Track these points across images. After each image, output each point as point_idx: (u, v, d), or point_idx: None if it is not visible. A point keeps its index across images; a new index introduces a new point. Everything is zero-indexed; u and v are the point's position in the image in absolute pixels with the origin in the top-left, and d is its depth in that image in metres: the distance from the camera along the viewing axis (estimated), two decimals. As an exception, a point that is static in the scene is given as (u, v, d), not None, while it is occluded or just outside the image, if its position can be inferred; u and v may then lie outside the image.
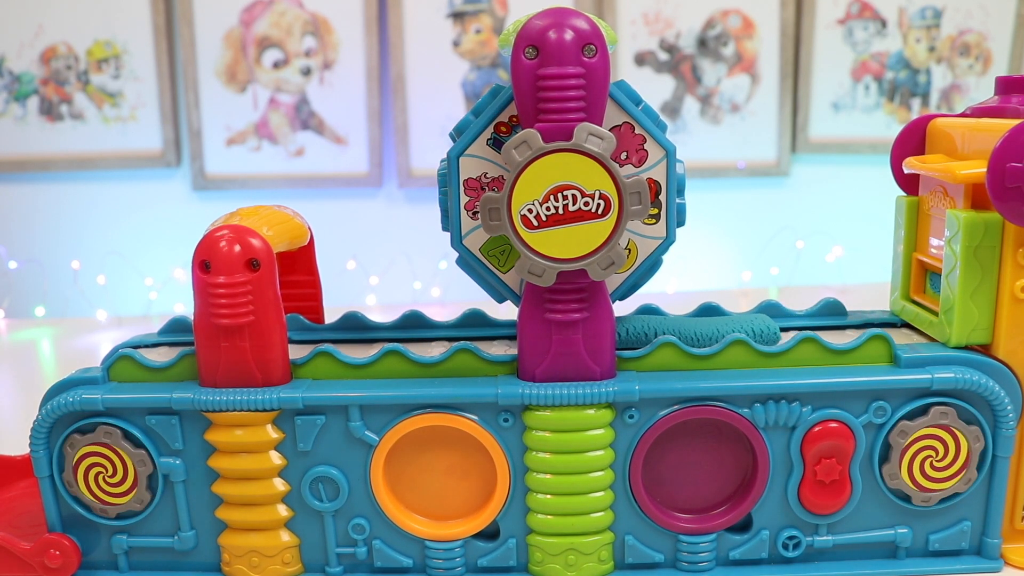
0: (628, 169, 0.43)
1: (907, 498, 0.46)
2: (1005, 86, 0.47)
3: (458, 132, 0.45)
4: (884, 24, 1.53)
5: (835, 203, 1.58)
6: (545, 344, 0.44)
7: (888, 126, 1.55)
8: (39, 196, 1.56)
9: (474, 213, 0.44)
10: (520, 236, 0.42)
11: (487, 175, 0.44)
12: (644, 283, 0.47)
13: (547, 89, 0.40)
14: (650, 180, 0.43)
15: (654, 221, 0.44)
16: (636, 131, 0.43)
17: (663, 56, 1.54)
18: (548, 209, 0.41)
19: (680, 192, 0.44)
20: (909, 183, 0.52)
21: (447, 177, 0.44)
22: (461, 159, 0.43)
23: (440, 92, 1.52)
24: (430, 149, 1.53)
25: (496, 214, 0.41)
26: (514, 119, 0.43)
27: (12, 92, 1.51)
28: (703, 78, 1.55)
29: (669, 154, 0.43)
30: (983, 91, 1.53)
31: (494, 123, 0.43)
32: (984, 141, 0.45)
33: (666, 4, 1.52)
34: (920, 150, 0.51)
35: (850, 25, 1.53)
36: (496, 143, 0.43)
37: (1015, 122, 0.42)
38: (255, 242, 0.43)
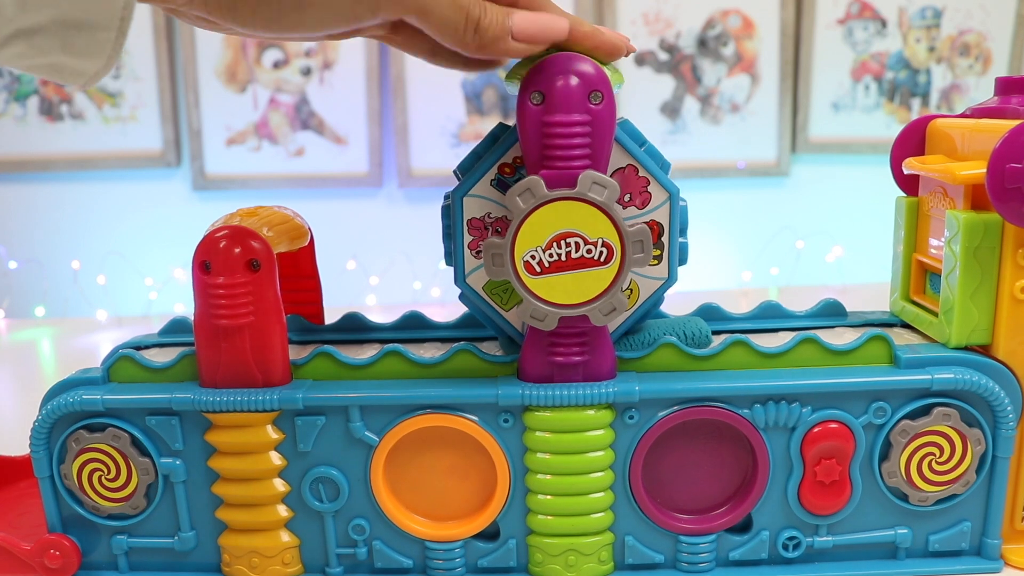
0: (632, 211, 0.44)
1: (907, 498, 0.46)
2: (1005, 87, 0.47)
3: (462, 171, 0.45)
4: (884, 24, 1.53)
5: (835, 203, 1.58)
6: (547, 377, 0.45)
7: (888, 126, 1.55)
8: (39, 196, 1.56)
9: (477, 252, 0.44)
10: (523, 281, 0.42)
11: (491, 215, 0.44)
12: (644, 320, 0.47)
13: (553, 136, 0.40)
14: (652, 222, 0.44)
15: (656, 262, 0.44)
16: (640, 173, 0.43)
17: (663, 56, 1.54)
18: (551, 256, 0.41)
19: (683, 231, 0.45)
20: (909, 183, 0.52)
21: (451, 212, 0.44)
22: (465, 199, 0.44)
23: (440, 92, 1.52)
24: (430, 149, 1.53)
25: (499, 259, 0.42)
26: (518, 160, 0.43)
27: (12, 92, 1.51)
28: (703, 78, 1.55)
29: (672, 196, 0.44)
30: (983, 91, 1.53)
31: (498, 164, 0.43)
32: (984, 142, 0.45)
33: (666, 4, 1.52)
34: (920, 150, 0.51)
35: (850, 25, 1.53)
36: (500, 183, 0.44)
37: (1015, 123, 0.42)
38: (255, 243, 0.44)
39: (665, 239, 0.44)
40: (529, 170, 0.41)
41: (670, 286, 0.45)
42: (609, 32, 0.41)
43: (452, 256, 0.45)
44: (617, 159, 0.43)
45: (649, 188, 0.43)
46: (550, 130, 0.40)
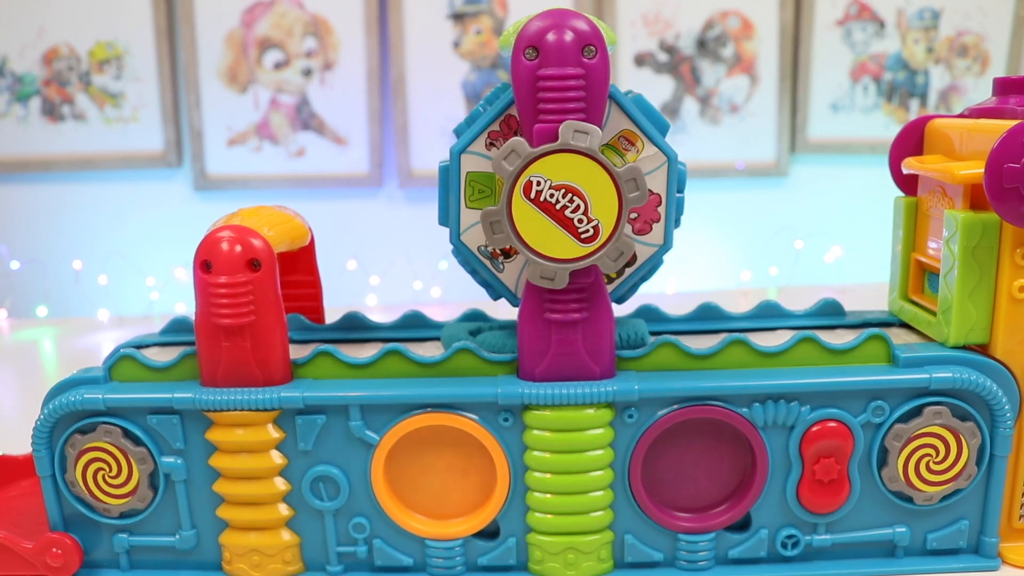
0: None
1: (905, 497, 0.46)
2: (1003, 87, 0.47)
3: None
4: (882, 25, 1.53)
5: (834, 203, 1.58)
6: (545, 344, 0.44)
7: (887, 127, 1.55)
8: (41, 196, 1.56)
9: (490, 144, 0.44)
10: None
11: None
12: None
13: (547, 90, 0.40)
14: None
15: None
16: (659, 208, 0.43)
17: (662, 57, 1.54)
18: (552, 196, 0.41)
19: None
20: (908, 184, 0.52)
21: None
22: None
23: (440, 92, 1.53)
24: (430, 149, 1.53)
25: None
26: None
27: (14, 93, 1.51)
28: (702, 79, 1.55)
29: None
30: (981, 92, 1.54)
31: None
32: (982, 142, 0.45)
33: (665, 5, 1.53)
34: (918, 151, 0.51)
35: (849, 26, 1.53)
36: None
37: (1013, 123, 0.42)
38: (256, 242, 0.44)
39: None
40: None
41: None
42: None
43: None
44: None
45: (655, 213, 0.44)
46: (544, 84, 0.40)
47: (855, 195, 1.55)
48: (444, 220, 0.45)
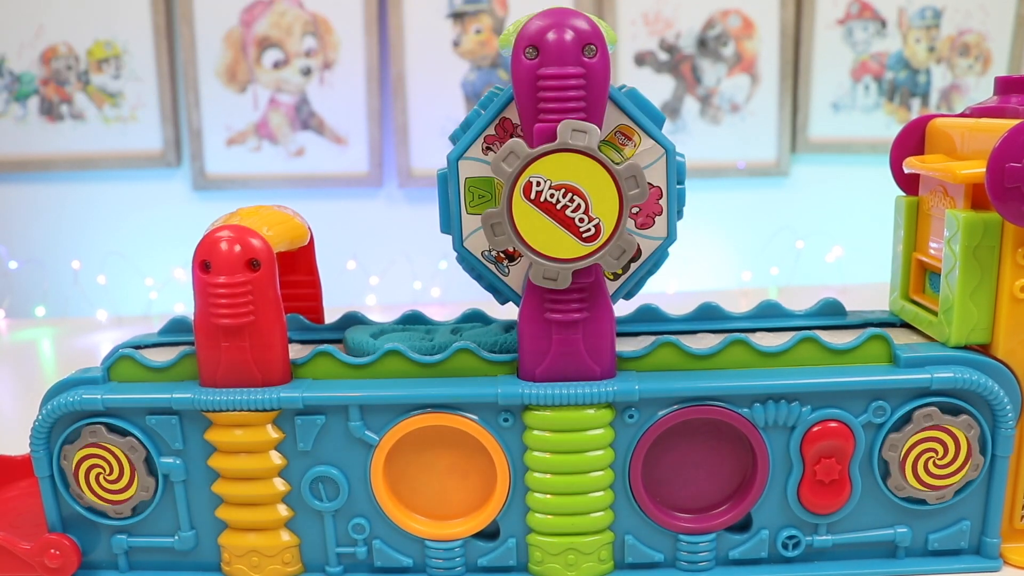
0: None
1: (906, 498, 0.46)
2: (1004, 86, 0.47)
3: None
4: (884, 24, 1.53)
5: (835, 203, 1.58)
6: (545, 344, 0.44)
7: (888, 126, 1.55)
8: (40, 196, 1.56)
9: (487, 149, 0.44)
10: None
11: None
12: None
13: (547, 89, 0.40)
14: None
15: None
16: (660, 201, 0.43)
17: (663, 56, 1.54)
18: (552, 196, 0.41)
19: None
20: (909, 183, 0.52)
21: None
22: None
23: (440, 92, 1.52)
24: (430, 149, 1.53)
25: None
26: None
27: (12, 92, 1.51)
28: (703, 78, 1.55)
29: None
30: (983, 91, 1.53)
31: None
32: (983, 141, 0.45)
33: (666, 4, 1.52)
34: (919, 150, 0.51)
35: (850, 25, 1.53)
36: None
37: (1014, 122, 0.42)
38: (255, 242, 0.44)
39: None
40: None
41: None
42: None
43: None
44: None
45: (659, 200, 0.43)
46: (544, 83, 0.40)
47: (856, 195, 1.55)
48: (446, 228, 0.45)
